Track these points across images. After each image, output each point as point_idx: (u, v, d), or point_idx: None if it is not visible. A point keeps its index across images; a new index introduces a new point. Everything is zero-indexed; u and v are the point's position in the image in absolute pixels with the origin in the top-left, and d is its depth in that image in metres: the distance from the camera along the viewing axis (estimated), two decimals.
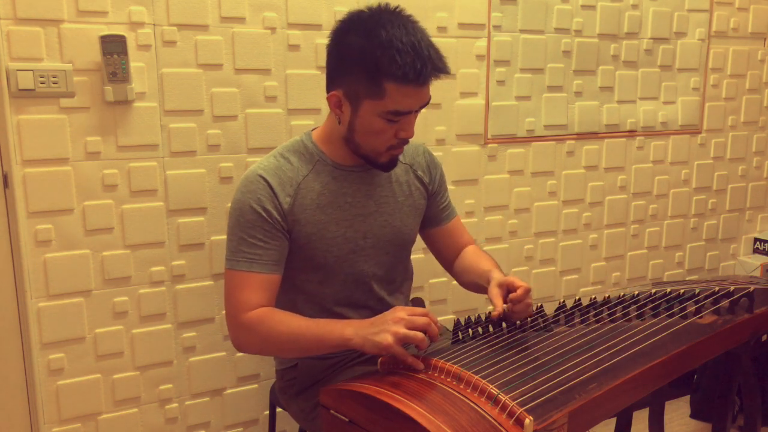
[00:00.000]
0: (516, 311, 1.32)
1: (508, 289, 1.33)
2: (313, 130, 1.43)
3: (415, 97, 1.26)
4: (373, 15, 1.26)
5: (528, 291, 1.31)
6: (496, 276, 1.37)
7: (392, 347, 1.17)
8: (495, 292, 1.32)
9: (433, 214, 1.55)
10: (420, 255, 1.99)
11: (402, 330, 1.18)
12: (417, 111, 1.30)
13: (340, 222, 1.38)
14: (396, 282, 1.51)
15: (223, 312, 1.77)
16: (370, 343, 1.19)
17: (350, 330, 1.23)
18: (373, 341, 1.19)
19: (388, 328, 1.18)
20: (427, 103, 1.30)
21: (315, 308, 1.41)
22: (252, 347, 1.33)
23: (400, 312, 1.22)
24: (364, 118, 1.28)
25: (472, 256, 1.55)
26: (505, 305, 1.31)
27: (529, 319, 1.40)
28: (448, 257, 1.60)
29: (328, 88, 1.32)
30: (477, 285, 1.48)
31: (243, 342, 1.32)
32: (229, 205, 1.73)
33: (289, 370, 1.48)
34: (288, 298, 1.42)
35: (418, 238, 1.58)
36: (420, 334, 1.18)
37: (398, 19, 1.25)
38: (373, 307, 1.44)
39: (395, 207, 1.45)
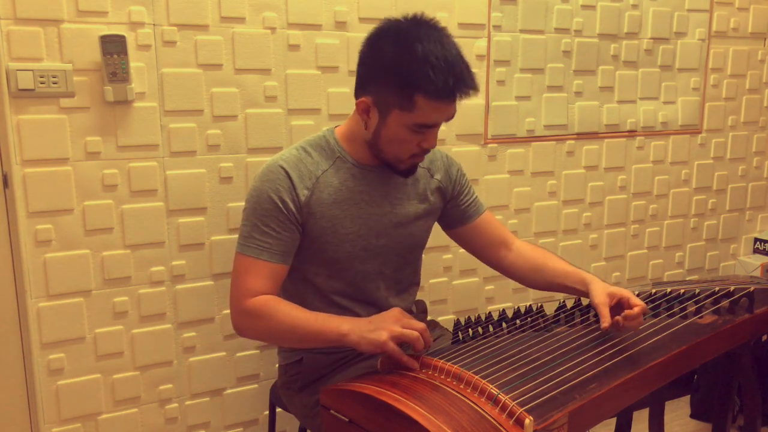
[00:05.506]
0: (627, 327, 1.33)
1: (618, 302, 1.35)
2: (336, 127, 1.45)
3: (443, 112, 1.28)
4: (410, 27, 1.27)
5: (644, 310, 1.33)
6: (601, 284, 1.39)
7: (387, 344, 1.19)
8: (604, 301, 1.34)
9: (460, 213, 1.56)
10: None
11: (398, 328, 1.20)
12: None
13: (354, 219, 1.39)
14: (403, 283, 1.52)
15: (224, 312, 1.78)
16: (365, 340, 1.22)
17: (347, 326, 1.25)
18: (369, 338, 1.21)
19: (385, 326, 1.21)
20: (453, 117, 1.32)
21: (323, 301, 1.42)
22: (251, 332, 1.35)
23: (398, 313, 1.26)
24: (391, 128, 1.30)
25: (538, 253, 1.56)
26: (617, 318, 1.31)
27: (529, 318, 1.40)
28: (489, 252, 1.59)
29: (357, 94, 1.34)
30: (559, 285, 1.49)
31: (243, 326, 1.34)
32: (230, 204, 1.75)
33: (293, 365, 1.48)
34: (297, 289, 1.44)
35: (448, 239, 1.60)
36: (415, 333, 1.20)
37: (434, 33, 1.26)
38: (381, 305, 1.44)
39: (410, 209, 1.46)
